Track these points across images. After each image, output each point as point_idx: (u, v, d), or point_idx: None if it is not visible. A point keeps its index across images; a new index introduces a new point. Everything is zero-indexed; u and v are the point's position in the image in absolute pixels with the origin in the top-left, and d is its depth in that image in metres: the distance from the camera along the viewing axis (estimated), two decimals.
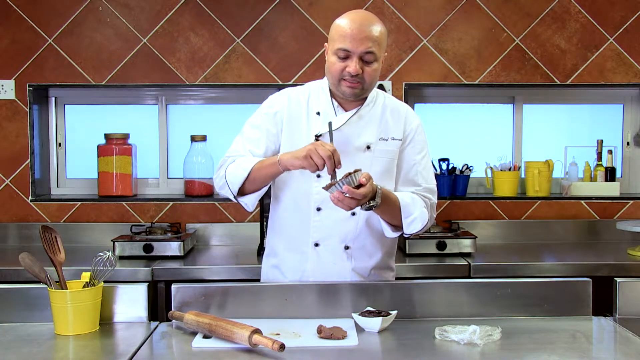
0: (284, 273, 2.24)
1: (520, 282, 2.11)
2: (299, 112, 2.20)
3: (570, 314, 2.05)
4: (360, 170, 1.93)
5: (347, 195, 1.89)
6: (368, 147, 2.16)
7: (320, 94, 2.21)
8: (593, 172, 3.80)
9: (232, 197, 2.17)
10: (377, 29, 2.07)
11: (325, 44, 2.16)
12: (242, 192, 2.15)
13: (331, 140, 2.04)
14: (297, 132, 2.17)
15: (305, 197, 2.16)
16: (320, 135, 2.12)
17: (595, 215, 3.70)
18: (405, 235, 2.19)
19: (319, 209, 2.15)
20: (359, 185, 1.90)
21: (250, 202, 2.18)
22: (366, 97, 2.19)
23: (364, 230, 2.18)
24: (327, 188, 1.92)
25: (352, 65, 2.05)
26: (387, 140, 2.18)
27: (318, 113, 2.18)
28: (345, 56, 2.06)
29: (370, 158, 2.16)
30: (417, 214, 2.12)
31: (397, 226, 2.16)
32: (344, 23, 2.07)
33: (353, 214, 2.14)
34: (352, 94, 2.11)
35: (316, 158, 1.91)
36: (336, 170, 1.94)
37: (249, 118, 2.25)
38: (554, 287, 2.08)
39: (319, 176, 2.13)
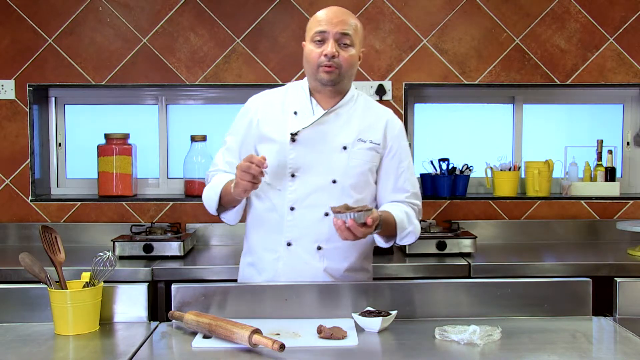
0: (259, 271, 2.24)
1: (520, 282, 2.11)
2: (274, 112, 2.22)
3: (570, 314, 2.05)
4: (372, 209, 1.95)
5: (349, 227, 1.92)
6: (344, 148, 2.17)
7: (299, 93, 2.23)
8: (593, 172, 3.80)
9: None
10: (353, 20, 2.16)
11: (303, 42, 2.20)
12: (224, 206, 2.22)
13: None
14: (273, 132, 2.19)
15: (280, 196, 2.17)
16: (296, 133, 2.13)
17: (595, 215, 3.71)
18: (397, 245, 2.24)
19: (292, 209, 2.16)
20: (364, 224, 1.93)
21: (228, 218, 2.27)
22: (344, 94, 2.20)
23: None
24: (335, 211, 1.95)
25: (328, 46, 2.10)
26: (365, 142, 2.19)
27: (295, 112, 2.19)
28: (322, 39, 2.11)
29: (346, 159, 2.16)
30: (411, 228, 2.19)
31: (389, 237, 2.20)
32: (319, 12, 2.17)
33: (327, 214, 2.14)
34: (329, 80, 2.12)
35: (244, 184, 1.97)
36: (264, 172, 1.98)
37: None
38: (554, 287, 2.08)
39: (293, 175, 2.14)
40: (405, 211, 2.19)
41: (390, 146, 2.23)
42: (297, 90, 2.24)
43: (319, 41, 2.11)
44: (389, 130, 2.23)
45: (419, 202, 2.27)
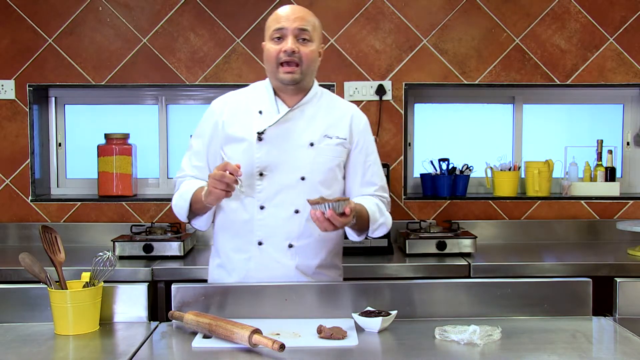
0: (229, 272, 2.24)
1: (520, 282, 2.10)
2: (239, 113, 2.22)
3: (570, 314, 2.05)
4: (348, 199, 1.97)
5: (329, 218, 1.92)
6: (311, 144, 2.17)
7: (263, 92, 2.23)
8: (593, 172, 3.80)
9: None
10: (312, 17, 2.17)
11: (263, 43, 2.19)
12: (195, 213, 2.22)
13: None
14: (239, 133, 2.19)
15: (249, 195, 2.16)
16: (262, 132, 2.13)
17: (595, 215, 3.70)
18: (368, 237, 2.26)
19: (262, 208, 2.15)
20: (342, 214, 1.94)
21: (199, 225, 2.27)
22: (307, 91, 2.20)
23: (308, 229, 2.17)
24: (312, 203, 1.94)
25: (288, 42, 2.10)
26: (331, 138, 2.20)
27: (260, 112, 2.20)
28: (281, 36, 2.11)
29: (313, 155, 2.17)
30: (382, 220, 2.20)
31: (361, 230, 2.21)
32: (277, 10, 2.17)
33: (297, 211, 2.15)
34: (291, 79, 2.13)
35: (218, 192, 1.97)
36: (239, 179, 1.98)
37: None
38: (554, 287, 2.08)
39: (261, 174, 2.14)
40: (376, 203, 2.21)
41: (356, 141, 2.24)
42: (261, 90, 2.24)
43: (278, 38, 2.12)
44: (354, 125, 2.24)
45: (387, 195, 2.29)
